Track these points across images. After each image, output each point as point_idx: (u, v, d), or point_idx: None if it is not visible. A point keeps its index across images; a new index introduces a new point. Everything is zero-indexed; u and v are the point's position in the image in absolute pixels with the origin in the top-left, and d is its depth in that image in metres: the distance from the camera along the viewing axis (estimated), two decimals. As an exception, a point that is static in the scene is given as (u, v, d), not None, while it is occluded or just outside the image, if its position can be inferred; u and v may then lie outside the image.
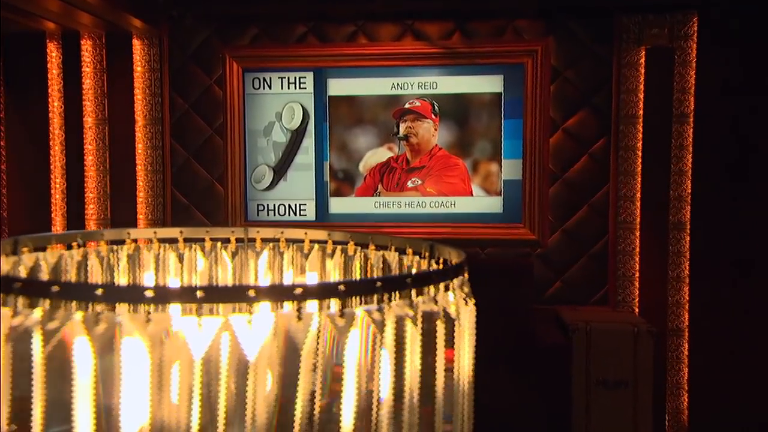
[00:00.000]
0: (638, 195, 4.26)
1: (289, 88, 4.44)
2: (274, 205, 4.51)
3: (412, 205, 4.43)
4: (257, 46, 4.43)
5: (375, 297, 0.81)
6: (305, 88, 4.43)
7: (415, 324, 0.83)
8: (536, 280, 4.27)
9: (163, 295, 0.71)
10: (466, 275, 0.98)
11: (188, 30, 4.43)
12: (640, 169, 4.25)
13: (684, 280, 4.26)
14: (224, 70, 4.42)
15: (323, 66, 4.40)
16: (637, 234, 4.27)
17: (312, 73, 4.41)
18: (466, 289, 0.95)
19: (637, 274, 4.28)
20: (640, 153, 4.25)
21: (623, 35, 4.22)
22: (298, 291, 0.73)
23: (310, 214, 4.49)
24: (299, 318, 0.74)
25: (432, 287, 0.88)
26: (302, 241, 1.30)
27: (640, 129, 4.24)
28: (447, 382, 0.89)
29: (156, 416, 0.71)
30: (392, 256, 1.21)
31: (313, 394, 0.76)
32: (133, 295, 0.72)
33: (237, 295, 0.74)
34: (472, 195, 4.39)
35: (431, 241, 1.13)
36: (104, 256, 1.15)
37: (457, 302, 0.90)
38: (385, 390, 0.81)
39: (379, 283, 0.79)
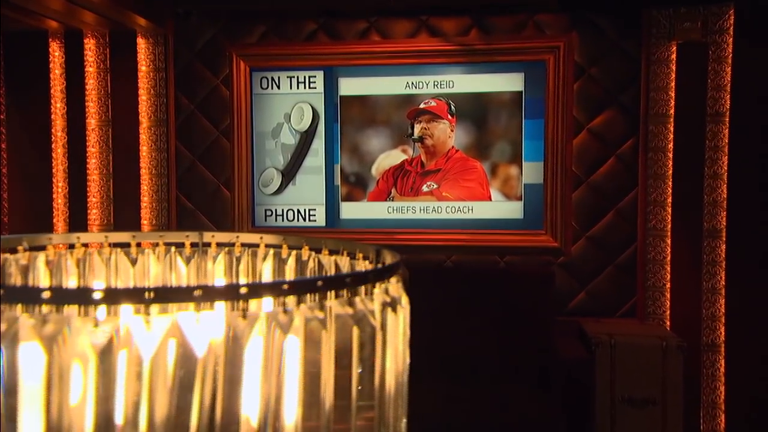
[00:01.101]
0: (669, 200, 4.19)
1: (298, 87, 4.45)
2: (283, 210, 4.52)
3: (427, 210, 4.41)
4: (265, 44, 4.45)
5: (310, 296, 0.88)
6: (315, 88, 4.44)
7: (325, 327, 0.86)
8: (559, 290, 4.22)
9: (60, 297, 0.72)
10: (396, 277, 1.01)
11: (194, 28, 4.47)
12: (671, 172, 4.19)
13: (719, 292, 4.17)
14: (231, 70, 4.44)
15: (334, 64, 4.40)
16: (668, 242, 4.21)
17: (322, 72, 4.42)
18: (393, 291, 0.98)
19: (668, 285, 4.21)
20: (671, 155, 4.18)
21: (653, 29, 4.16)
22: (197, 293, 0.73)
23: (320, 219, 4.50)
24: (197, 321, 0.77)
25: (346, 290, 0.92)
26: (258, 245, 1.33)
27: (671, 129, 4.18)
28: (365, 385, 0.92)
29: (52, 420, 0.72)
30: (344, 261, 1.23)
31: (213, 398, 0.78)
32: (29, 295, 0.72)
33: (189, 295, 0.76)
34: (490, 200, 4.36)
35: (378, 247, 1.16)
36: (52, 260, 1.16)
37: (380, 304, 0.93)
38: (293, 395, 0.83)
39: (286, 286, 0.80)
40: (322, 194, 4.48)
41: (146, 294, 0.73)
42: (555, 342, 3.94)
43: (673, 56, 4.15)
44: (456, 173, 4.38)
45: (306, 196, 4.50)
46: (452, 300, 4.08)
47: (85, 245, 1.21)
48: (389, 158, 4.43)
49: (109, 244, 1.26)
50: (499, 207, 4.36)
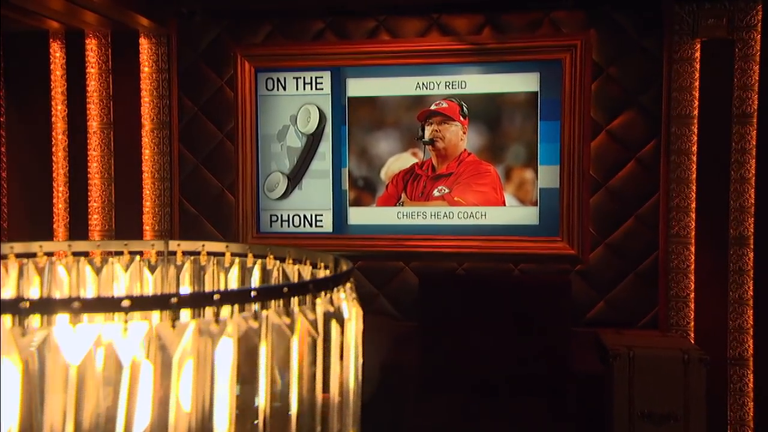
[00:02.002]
0: (693, 205, 4.16)
1: (304, 88, 4.47)
2: (289, 215, 4.53)
3: (439, 215, 4.39)
4: (271, 44, 4.47)
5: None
6: (322, 89, 4.45)
7: (262, 337, 0.88)
8: (576, 300, 4.20)
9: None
10: (344, 287, 1.01)
11: (198, 28, 4.50)
12: (694, 176, 4.15)
13: (747, 302, 4.11)
14: (236, 70, 4.47)
15: (342, 65, 4.41)
16: (692, 249, 4.16)
17: (329, 72, 4.43)
18: (338, 301, 0.98)
19: (692, 295, 4.17)
20: (694, 158, 4.14)
21: (675, 26, 4.12)
22: (125, 303, 0.75)
23: (327, 225, 4.50)
24: (173, 326, 0.80)
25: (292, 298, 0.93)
26: (223, 254, 1.35)
27: (695, 131, 4.14)
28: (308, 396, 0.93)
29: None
30: (306, 270, 1.25)
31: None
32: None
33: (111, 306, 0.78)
34: (504, 205, 4.34)
35: (338, 256, 1.19)
36: (17, 269, 1.17)
37: (323, 315, 0.95)
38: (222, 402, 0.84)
39: (217, 296, 0.83)
40: (329, 199, 4.48)
41: (74, 304, 0.73)
42: (571, 354, 3.92)
43: (697, 54, 4.11)
44: (468, 177, 4.36)
45: (313, 201, 4.50)
46: (464, 310, 4.07)
47: (50, 254, 1.22)
48: (399, 161, 4.43)
49: (73, 253, 1.27)
50: (514, 212, 4.33)
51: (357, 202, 4.48)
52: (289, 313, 0.89)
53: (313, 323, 0.92)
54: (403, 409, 3.66)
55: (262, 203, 4.54)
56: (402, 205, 4.43)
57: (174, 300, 0.79)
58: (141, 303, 0.79)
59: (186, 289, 1.37)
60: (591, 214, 4.27)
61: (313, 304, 0.95)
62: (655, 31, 4.17)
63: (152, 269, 1.31)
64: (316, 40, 4.45)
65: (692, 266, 4.17)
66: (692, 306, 4.18)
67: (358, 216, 4.48)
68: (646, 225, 4.25)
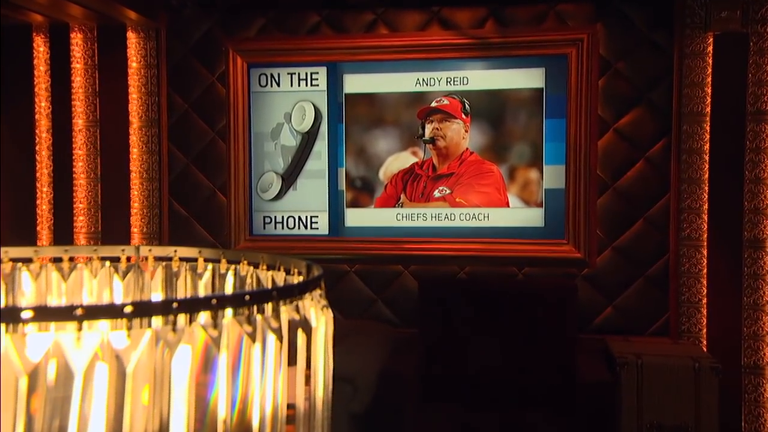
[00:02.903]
0: (705, 207, 4.15)
1: (299, 85, 4.46)
2: (283, 217, 4.53)
3: (440, 217, 4.39)
4: (264, 38, 4.46)
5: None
6: (318, 85, 4.44)
7: (222, 346, 0.88)
8: (582, 305, 4.18)
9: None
10: (313, 294, 1.02)
11: (188, 21, 4.50)
12: (707, 176, 4.14)
13: (762, 308, 4.10)
14: (227, 66, 4.46)
15: (338, 60, 4.40)
16: (704, 252, 4.15)
17: (325, 68, 4.43)
18: (305, 309, 0.99)
19: (704, 301, 4.16)
20: (707, 157, 4.13)
21: (686, 19, 4.11)
22: (79, 312, 0.75)
23: (323, 227, 4.50)
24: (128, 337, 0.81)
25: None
26: (196, 260, 1.36)
27: (707, 129, 4.13)
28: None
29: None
30: (280, 276, 1.26)
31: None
32: None
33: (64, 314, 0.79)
34: (508, 206, 4.33)
35: (310, 262, 1.21)
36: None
37: (288, 322, 0.95)
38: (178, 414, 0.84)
39: (175, 305, 0.83)
40: (325, 200, 4.48)
41: (23, 313, 0.73)
42: (578, 362, 3.90)
43: (710, 49, 4.10)
44: (470, 177, 4.35)
45: (308, 202, 4.50)
46: (465, 315, 4.06)
47: (15, 260, 1.22)
48: (398, 161, 4.42)
49: (41, 259, 1.27)
50: (518, 214, 4.32)
51: (354, 204, 4.47)
52: (251, 321, 0.89)
53: (277, 331, 0.91)
54: (402, 421, 3.65)
55: (254, 204, 4.54)
56: (401, 207, 4.43)
57: (129, 308, 0.79)
58: (94, 312, 0.79)
59: (158, 296, 1.38)
60: (598, 215, 4.25)
61: (277, 312, 0.95)
62: (665, 24, 4.16)
63: (123, 276, 1.31)
64: (312, 34, 4.44)
65: (704, 270, 4.15)
66: (704, 312, 4.16)
67: (355, 218, 4.47)
68: (655, 227, 4.23)
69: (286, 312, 0.96)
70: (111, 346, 0.79)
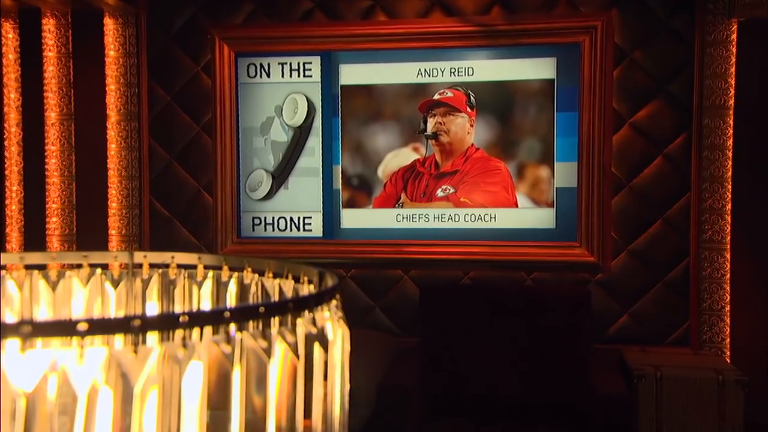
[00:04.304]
0: (728, 207, 4.14)
1: (291, 75, 4.44)
2: (273, 218, 4.51)
3: (443, 218, 4.37)
4: (253, 25, 4.44)
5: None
6: (311, 76, 4.43)
7: (235, 362, 0.89)
8: (596, 313, 4.18)
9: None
10: (330, 305, 1.04)
11: (170, 6, 4.47)
12: (730, 174, 4.13)
13: (790, 316, 4.11)
14: (213, 55, 4.44)
15: (333, 49, 4.39)
16: (728, 257, 4.15)
17: (319, 57, 4.41)
18: (322, 322, 1.01)
19: (727, 308, 4.16)
20: (730, 153, 4.13)
21: (708, 5, 4.11)
22: (81, 327, 0.75)
23: (317, 229, 4.48)
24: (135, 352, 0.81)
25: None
26: (195, 267, 1.36)
27: (731, 123, 4.12)
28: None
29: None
30: (288, 285, 1.27)
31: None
32: None
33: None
34: (516, 206, 4.32)
35: (322, 270, 1.22)
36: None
37: (304, 337, 0.97)
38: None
39: (185, 318, 0.83)
40: (319, 200, 4.46)
41: (23, 328, 0.72)
42: (592, 374, 3.90)
43: (733, 36, 4.10)
44: (476, 175, 4.34)
45: (300, 202, 4.48)
46: (471, 324, 4.05)
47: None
48: (398, 158, 4.41)
49: (25, 266, 1.25)
50: (527, 215, 4.31)
51: (351, 204, 4.45)
52: (266, 335, 0.90)
53: (293, 346, 0.92)
54: (404, 437, 3.62)
55: (243, 205, 4.52)
56: (401, 207, 4.41)
57: (136, 323, 0.78)
58: (100, 326, 0.78)
59: (153, 306, 1.36)
60: (613, 216, 4.25)
61: (294, 325, 0.96)
62: (685, 9, 4.15)
63: (115, 284, 1.30)
64: (304, 21, 4.41)
65: (727, 276, 4.15)
66: (728, 320, 4.16)
67: (351, 219, 4.45)
68: (675, 229, 4.23)
69: (303, 325, 0.96)
70: (117, 363, 0.78)
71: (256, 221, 4.52)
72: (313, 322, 0.99)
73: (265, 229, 4.51)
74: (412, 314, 4.30)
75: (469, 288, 4.36)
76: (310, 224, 4.48)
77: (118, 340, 0.90)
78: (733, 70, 4.10)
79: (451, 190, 4.37)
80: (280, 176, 4.48)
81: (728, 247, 4.15)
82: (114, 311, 1.30)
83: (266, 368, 0.90)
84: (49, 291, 1.25)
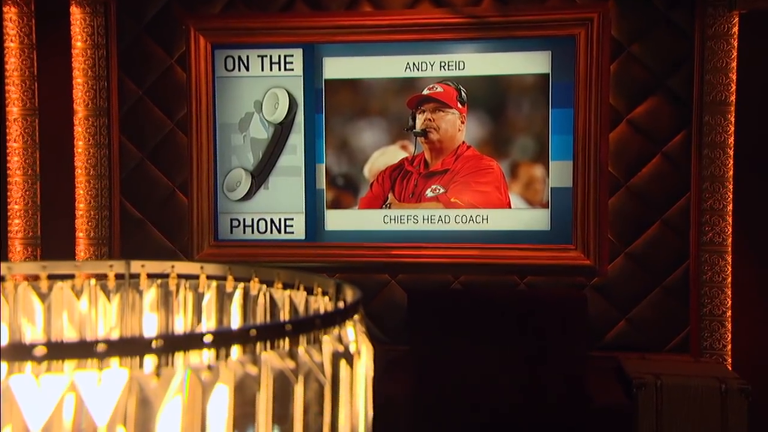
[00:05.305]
0: (730, 208, 4.16)
1: (271, 69, 4.43)
2: (253, 219, 4.49)
3: (433, 219, 4.37)
4: (230, 15, 4.42)
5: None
6: (293, 70, 4.42)
7: (262, 384, 0.88)
8: (592, 319, 4.19)
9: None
10: (353, 320, 1.03)
11: (142, -6, 4.42)
12: (732, 173, 4.15)
13: (794, 321, 4.15)
14: (188, 47, 4.41)
15: (316, 41, 4.38)
16: (729, 259, 4.16)
17: (301, 49, 4.41)
18: (348, 338, 1.00)
19: (729, 313, 4.17)
20: (731, 152, 4.15)
21: (709, -4, 4.15)
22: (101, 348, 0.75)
23: (299, 231, 4.47)
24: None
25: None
26: (197, 277, 1.34)
27: (732, 120, 4.14)
28: None
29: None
30: (300, 297, 1.27)
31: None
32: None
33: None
34: (509, 207, 4.33)
35: (339, 281, 1.22)
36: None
37: (331, 355, 0.96)
38: None
39: (209, 337, 0.83)
40: (301, 200, 4.46)
41: (36, 350, 0.71)
42: (589, 383, 3.91)
43: (735, 29, 4.11)
44: (467, 175, 4.34)
45: (281, 203, 4.48)
46: (461, 331, 4.04)
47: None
48: (385, 156, 4.41)
49: (14, 277, 1.23)
50: (520, 216, 4.32)
51: (335, 204, 4.45)
52: (292, 354, 0.89)
53: (320, 366, 0.92)
54: (393, 451, 3.61)
55: (220, 206, 4.51)
56: (389, 208, 4.42)
57: (158, 342, 0.78)
58: (117, 347, 0.77)
59: (153, 318, 1.34)
60: (610, 218, 4.26)
61: (319, 343, 0.94)
62: (685, 1, 4.17)
63: (110, 295, 1.30)
64: (286, 11, 4.40)
65: (729, 279, 4.16)
66: (729, 326, 4.17)
67: (336, 220, 4.45)
68: (674, 231, 4.25)
69: (329, 343, 0.95)
70: (138, 387, 0.78)
71: (235, 223, 4.50)
72: (339, 339, 0.97)
73: (244, 232, 4.50)
74: (399, 321, 4.30)
75: (459, 293, 4.36)
76: (291, 226, 4.47)
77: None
78: (734, 64, 4.12)
79: (441, 190, 4.37)
80: (260, 175, 4.47)
81: (729, 249, 4.16)
82: (111, 325, 1.29)
83: (292, 389, 0.89)
84: (39, 304, 1.23)
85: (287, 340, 0.91)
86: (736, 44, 4.11)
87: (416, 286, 4.34)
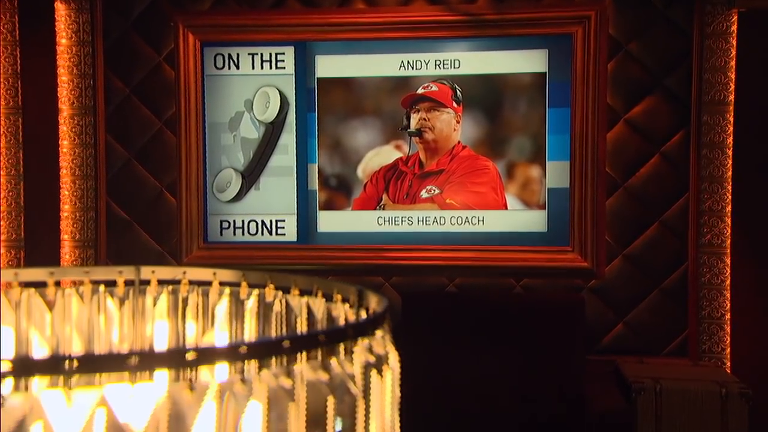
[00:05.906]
0: (729, 209, 4.17)
1: (262, 67, 4.43)
2: (243, 221, 4.48)
3: (427, 221, 4.38)
4: (220, 11, 4.41)
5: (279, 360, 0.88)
6: (284, 68, 4.42)
7: (293, 398, 0.87)
8: (590, 322, 4.18)
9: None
10: (382, 329, 1.03)
11: (130, -10, 4.41)
12: (730, 173, 4.16)
13: (794, 324, 4.16)
14: (177, 44, 4.40)
15: (308, 38, 4.38)
16: (728, 261, 4.18)
17: (293, 47, 4.40)
18: (378, 348, 0.99)
19: (728, 316, 4.18)
20: (730, 152, 4.16)
21: (708, -6, 4.15)
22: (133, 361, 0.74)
23: (291, 233, 4.46)
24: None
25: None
26: (210, 283, 1.32)
27: (731, 120, 4.15)
28: None
29: None
30: (318, 304, 1.26)
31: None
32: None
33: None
34: (506, 208, 4.33)
35: (361, 287, 1.20)
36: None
37: (362, 366, 0.95)
38: None
39: (244, 349, 0.82)
40: (293, 201, 4.46)
41: (67, 363, 0.70)
42: (586, 388, 3.92)
43: (734, 28, 4.12)
44: (463, 175, 4.35)
45: (273, 204, 4.47)
46: (456, 335, 4.04)
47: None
48: (379, 156, 4.41)
49: (20, 283, 1.21)
50: (517, 217, 4.33)
51: (328, 206, 4.45)
52: (325, 366, 0.87)
53: (352, 377, 0.90)
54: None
55: (210, 207, 4.49)
56: (383, 209, 4.42)
57: (191, 355, 0.77)
58: (150, 360, 0.76)
59: (164, 325, 1.33)
60: (607, 219, 4.27)
61: (351, 353, 0.92)
62: None
63: (120, 303, 1.29)
64: (277, 8, 4.39)
65: (728, 281, 4.18)
66: (728, 329, 4.18)
67: (329, 222, 4.45)
68: (672, 232, 4.26)
69: (361, 353, 0.93)
70: (172, 402, 0.76)
71: (225, 225, 4.49)
72: (370, 349, 0.96)
73: (235, 233, 4.49)
74: (393, 324, 4.26)
75: (454, 296, 4.37)
76: (283, 228, 4.46)
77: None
78: (733, 63, 4.13)
79: (436, 191, 4.37)
80: (251, 176, 4.46)
81: (728, 251, 4.17)
82: (121, 333, 1.29)
83: (325, 403, 0.87)
84: (45, 312, 1.22)
85: (321, 350, 0.90)
86: (735, 43, 4.12)
87: (411, 288, 4.34)
